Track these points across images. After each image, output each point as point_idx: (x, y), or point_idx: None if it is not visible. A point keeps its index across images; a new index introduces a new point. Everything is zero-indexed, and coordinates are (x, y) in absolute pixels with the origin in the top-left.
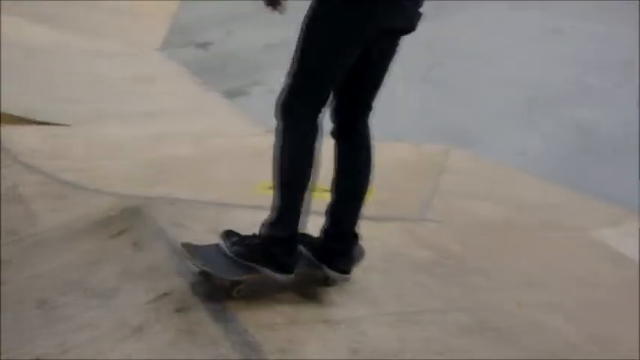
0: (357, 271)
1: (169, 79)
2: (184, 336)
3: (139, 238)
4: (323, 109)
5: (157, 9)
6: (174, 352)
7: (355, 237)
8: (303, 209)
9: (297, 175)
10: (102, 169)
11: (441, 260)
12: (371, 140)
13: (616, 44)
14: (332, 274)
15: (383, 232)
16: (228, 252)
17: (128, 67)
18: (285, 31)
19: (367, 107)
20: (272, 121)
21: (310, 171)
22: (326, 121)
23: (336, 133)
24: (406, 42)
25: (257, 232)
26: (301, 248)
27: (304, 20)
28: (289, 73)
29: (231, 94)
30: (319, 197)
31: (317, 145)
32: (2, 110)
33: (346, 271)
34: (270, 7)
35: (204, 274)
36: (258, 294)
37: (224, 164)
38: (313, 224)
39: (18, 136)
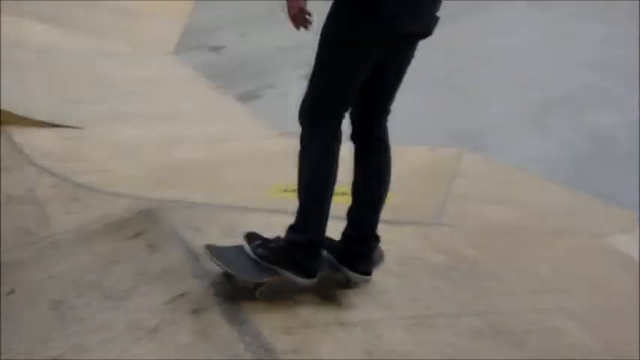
0: (375, 275)
1: (183, 82)
2: (199, 337)
3: (154, 240)
4: (344, 115)
5: (170, 11)
6: (189, 353)
7: (375, 239)
8: (327, 214)
9: (321, 180)
10: (116, 172)
11: (454, 264)
12: (389, 144)
13: (634, 47)
14: (353, 275)
15: (398, 236)
16: (251, 254)
17: (141, 69)
18: (298, 35)
19: (385, 111)
20: (285, 124)
21: (334, 177)
22: (346, 124)
23: (355, 137)
24: (420, 45)
25: (280, 236)
26: (323, 251)
27: (322, 29)
28: (310, 81)
29: (245, 98)
30: (339, 200)
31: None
32: (16, 112)
33: (367, 272)
34: (297, 23)
35: (226, 275)
36: (279, 295)
37: (238, 167)
38: (334, 228)
39: (32, 139)
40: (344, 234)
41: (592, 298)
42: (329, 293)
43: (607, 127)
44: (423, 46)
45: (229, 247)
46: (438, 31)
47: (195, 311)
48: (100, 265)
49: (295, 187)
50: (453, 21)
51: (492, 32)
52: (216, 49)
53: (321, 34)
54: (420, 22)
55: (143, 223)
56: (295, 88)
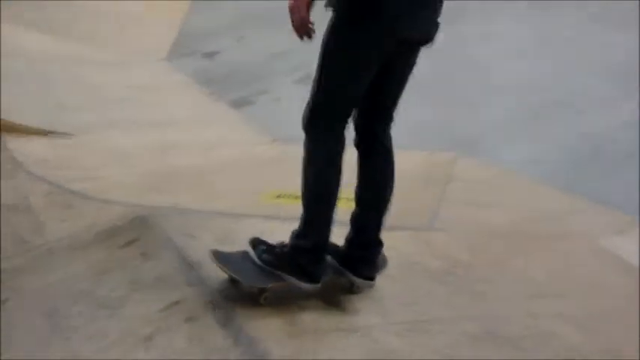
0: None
1: (176, 88)
2: (194, 345)
3: (147, 248)
4: (347, 122)
5: (163, 17)
6: None
7: (379, 244)
8: (331, 220)
9: (325, 187)
10: (109, 179)
11: (450, 269)
12: (392, 150)
13: (629, 51)
14: (357, 280)
15: (396, 242)
16: (256, 260)
17: (134, 76)
18: (291, 41)
19: (388, 118)
20: (278, 130)
21: (337, 183)
22: (349, 130)
23: (358, 144)
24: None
25: (285, 241)
26: (327, 256)
27: (324, 37)
28: (312, 88)
29: (238, 104)
30: (343, 206)
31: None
32: (9, 120)
33: (371, 277)
34: (300, 35)
35: (232, 281)
36: (284, 300)
37: (231, 173)
38: (337, 233)
39: (25, 146)
40: (347, 239)
41: (588, 302)
42: (331, 299)
43: (603, 129)
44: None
45: (235, 253)
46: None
47: (189, 319)
48: (93, 274)
49: (289, 193)
50: (450, 25)
51: (489, 36)
52: (209, 55)
53: (323, 42)
54: (421, 28)
55: (136, 231)
56: (288, 94)
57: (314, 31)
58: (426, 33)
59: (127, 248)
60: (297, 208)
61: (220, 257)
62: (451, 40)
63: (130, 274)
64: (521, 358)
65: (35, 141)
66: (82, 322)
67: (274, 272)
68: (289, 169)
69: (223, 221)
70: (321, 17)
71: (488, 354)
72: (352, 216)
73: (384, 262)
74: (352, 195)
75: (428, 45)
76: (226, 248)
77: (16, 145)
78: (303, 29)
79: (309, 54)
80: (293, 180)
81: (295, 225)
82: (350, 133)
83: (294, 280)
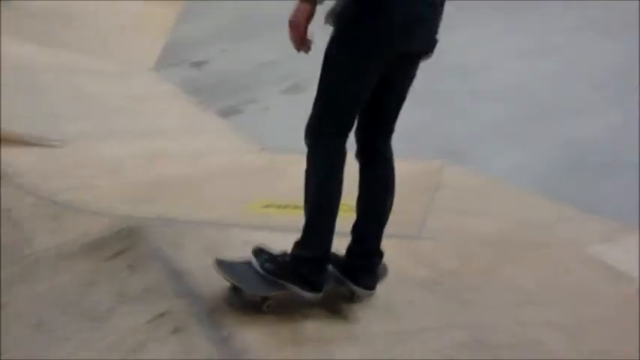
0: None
1: (164, 98)
2: (181, 357)
3: (134, 259)
4: (348, 133)
5: (151, 27)
6: None
7: (379, 254)
8: (332, 230)
9: (326, 197)
10: (97, 190)
11: (438, 278)
12: (393, 160)
13: (611, 59)
14: (357, 290)
15: (384, 250)
16: (259, 269)
17: (122, 86)
18: (279, 50)
19: (388, 129)
20: (266, 139)
21: (339, 193)
22: (350, 141)
23: (359, 155)
24: None
25: (287, 251)
26: (328, 266)
27: (326, 50)
28: (315, 101)
29: (226, 113)
30: (344, 216)
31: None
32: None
33: (371, 287)
34: (298, 47)
35: (235, 289)
36: (287, 309)
37: (219, 183)
38: (338, 243)
39: (13, 157)
40: (348, 249)
41: (577, 310)
42: (334, 307)
43: (590, 136)
44: None
45: (238, 262)
46: None
47: (177, 330)
48: (80, 285)
49: (277, 202)
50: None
51: (477, 42)
52: (197, 64)
53: (325, 56)
54: (421, 41)
55: (123, 242)
56: (276, 103)
57: (312, 42)
58: (426, 46)
59: (113, 260)
60: (285, 218)
61: (223, 266)
62: (440, 45)
63: (116, 285)
64: None
65: (23, 151)
66: (68, 334)
67: (277, 281)
68: (277, 178)
69: (211, 231)
70: (320, 28)
71: None
72: (353, 226)
73: (385, 271)
74: (350, 203)
75: (427, 57)
76: (213, 258)
77: (3, 155)
78: (302, 43)
79: (297, 64)
80: (281, 189)
81: (283, 235)
82: (351, 143)
83: (296, 289)
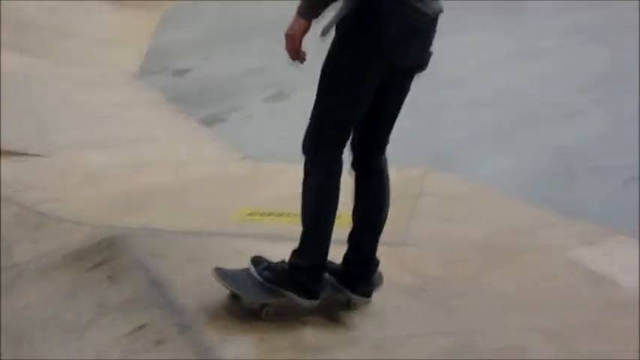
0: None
1: (146, 106)
2: None
3: (115, 270)
4: (345, 145)
5: (133, 35)
6: None
7: (375, 262)
8: (329, 239)
9: (323, 207)
10: (79, 200)
11: (423, 285)
12: (388, 171)
13: (592, 64)
14: (354, 297)
15: (339, 255)
16: (257, 277)
17: (104, 95)
18: (263, 58)
19: (384, 140)
20: (249, 147)
21: (335, 203)
22: (346, 152)
23: (355, 166)
24: None
25: (285, 259)
26: (325, 273)
27: (324, 65)
28: (312, 113)
29: (209, 121)
30: (341, 226)
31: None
32: None
33: (367, 294)
34: (293, 59)
35: (234, 297)
36: (285, 316)
37: (202, 191)
38: (335, 251)
39: None
40: (345, 257)
41: (560, 315)
42: (332, 314)
43: (575, 142)
44: None
45: (236, 271)
46: None
47: (158, 342)
48: (60, 297)
49: (260, 210)
50: None
51: (461, 50)
52: (180, 72)
53: (322, 69)
54: (415, 56)
55: (104, 253)
56: (260, 111)
57: (305, 57)
58: (420, 60)
59: (94, 271)
60: (268, 226)
61: (222, 274)
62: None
63: (97, 297)
64: None
65: (6, 161)
66: (49, 347)
67: (275, 289)
68: (260, 186)
69: (193, 241)
70: (315, 41)
71: None
72: (349, 235)
73: (380, 279)
74: (347, 214)
75: (422, 71)
76: (195, 268)
77: None
78: (297, 55)
79: (280, 72)
80: (263, 197)
81: (267, 243)
82: (346, 155)
83: (293, 297)
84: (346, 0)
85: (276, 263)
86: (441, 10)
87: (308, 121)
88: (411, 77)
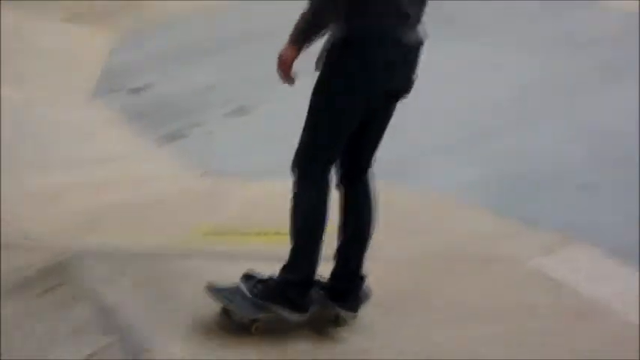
0: None
1: (105, 125)
2: None
3: (65, 295)
4: (332, 163)
5: (90, 54)
6: None
7: (361, 277)
8: (318, 254)
9: (312, 223)
10: (34, 221)
11: (383, 295)
12: (373, 189)
13: (548, 76)
14: (341, 312)
15: (326, 271)
16: (247, 293)
17: (61, 114)
18: (222, 73)
19: (368, 160)
20: (211, 163)
21: (324, 219)
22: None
23: (341, 182)
24: None
25: (274, 275)
26: (313, 289)
27: (314, 88)
28: (302, 134)
29: (170, 138)
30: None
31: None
32: None
33: (354, 308)
34: (284, 81)
35: (225, 313)
36: (275, 331)
37: (161, 210)
38: (322, 267)
39: None
40: (332, 272)
41: (522, 323)
42: (320, 329)
43: (524, 151)
44: None
45: (228, 287)
46: None
47: None
48: (8, 326)
49: (220, 228)
50: None
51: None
52: (138, 89)
53: (313, 93)
54: (402, 81)
55: (56, 278)
56: (220, 126)
57: (295, 79)
58: (405, 85)
59: (45, 296)
60: (226, 245)
61: (214, 290)
62: None
63: (47, 324)
64: None
65: None
66: None
67: (264, 304)
68: (221, 203)
69: (148, 262)
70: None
71: None
72: (337, 251)
73: (368, 295)
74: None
75: (406, 96)
76: (148, 291)
77: None
78: (287, 78)
79: (240, 87)
80: (225, 215)
81: (225, 262)
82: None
83: (283, 311)
84: (334, 30)
85: (266, 279)
86: (422, 40)
87: (282, 136)
88: (395, 102)
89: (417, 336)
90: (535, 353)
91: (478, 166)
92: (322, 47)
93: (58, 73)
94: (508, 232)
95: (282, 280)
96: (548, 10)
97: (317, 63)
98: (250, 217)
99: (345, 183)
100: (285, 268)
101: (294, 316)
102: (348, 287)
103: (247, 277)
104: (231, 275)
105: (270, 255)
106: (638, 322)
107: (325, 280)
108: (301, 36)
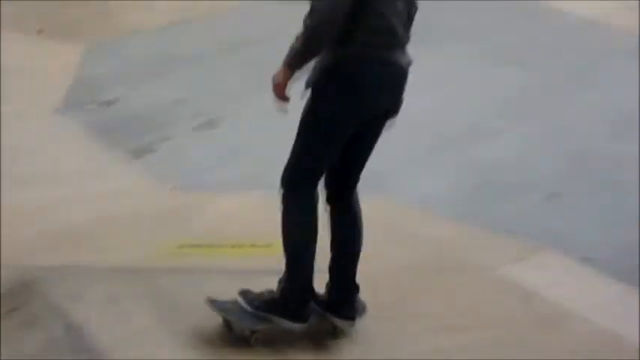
0: None
1: (71, 140)
2: None
3: (30, 315)
4: (319, 180)
5: (56, 68)
6: None
7: (355, 288)
8: (312, 264)
9: (304, 236)
10: None
11: None
12: (359, 204)
13: (514, 86)
14: (338, 321)
15: (321, 285)
16: (246, 306)
17: (26, 129)
18: (192, 87)
19: (356, 178)
20: (180, 178)
21: (315, 231)
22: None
23: (329, 200)
24: None
25: (272, 289)
26: (310, 300)
27: (304, 108)
28: (292, 151)
29: (139, 152)
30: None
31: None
32: None
33: (351, 317)
34: (279, 101)
35: (226, 325)
36: (275, 343)
37: (131, 225)
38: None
39: None
40: (327, 286)
41: (492, 332)
42: (319, 341)
43: (493, 160)
44: None
45: (228, 301)
46: None
47: None
48: None
49: (188, 243)
50: None
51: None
52: (106, 104)
53: (302, 114)
54: (390, 103)
55: (19, 298)
56: (190, 140)
57: (289, 100)
58: (394, 106)
59: (7, 317)
60: (196, 260)
61: (215, 304)
62: None
63: (10, 346)
64: None
65: None
66: None
67: (264, 315)
68: (190, 218)
69: (115, 278)
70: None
71: None
72: (329, 266)
73: (364, 308)
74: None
75: (394, 117)
76: (115, 308)
77: None
78: (283, 99)
79: (209, 101)
80: (196, 228)
81: (195, 277)
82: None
83: (282, 322)
84: (325, 53)
85: (264, 292)
86: (410, 63)
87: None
88: (383, 122)
89: (381, 347)
90: None
91: (447, 175)
92: (313, 67)
93: (24, 88)
94: (476, 242)
95: (282, 291)
96: (513, 18)
97: (307, 84)
98: (224, 230)
99: (331, 202)
100: (282, 281)
101: (294, 326)
102: (343, 297)
103: (245, 292)
104: (208, 291)
105: (249, 269)
106: (609, 329)
107: (321, 294)
108: (298, 60)
